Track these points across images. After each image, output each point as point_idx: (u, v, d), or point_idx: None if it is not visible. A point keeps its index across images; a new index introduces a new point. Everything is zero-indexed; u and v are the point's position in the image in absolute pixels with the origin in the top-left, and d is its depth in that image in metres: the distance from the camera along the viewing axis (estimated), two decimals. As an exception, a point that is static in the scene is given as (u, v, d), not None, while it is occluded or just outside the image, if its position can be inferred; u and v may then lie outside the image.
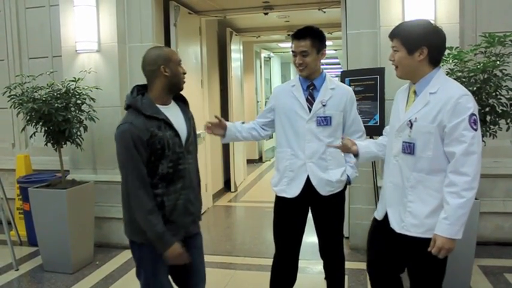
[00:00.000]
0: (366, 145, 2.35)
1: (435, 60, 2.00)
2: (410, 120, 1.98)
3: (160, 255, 2.06)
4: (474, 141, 1.86)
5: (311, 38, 2.48)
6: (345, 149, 2.35)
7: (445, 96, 1.90)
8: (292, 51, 2.55)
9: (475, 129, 1.87)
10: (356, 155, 2.35)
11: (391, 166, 2.10)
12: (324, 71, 2.63)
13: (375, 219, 2.26)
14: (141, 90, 2.10)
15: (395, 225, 2.06)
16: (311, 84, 2.58)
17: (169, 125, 2.05)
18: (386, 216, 2.13)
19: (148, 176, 2.01)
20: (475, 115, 1.88)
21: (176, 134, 2.07)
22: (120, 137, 2.00)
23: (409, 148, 1.99)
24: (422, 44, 1.94)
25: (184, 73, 2.16)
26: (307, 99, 2.56)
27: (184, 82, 2.17)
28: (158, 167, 2.02)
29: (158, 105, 2.06)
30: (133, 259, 2.19)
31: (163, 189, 2.04)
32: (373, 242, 2.28)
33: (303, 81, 2.60)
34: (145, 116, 1.99)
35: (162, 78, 2.07)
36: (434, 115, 1.91)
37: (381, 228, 2.18)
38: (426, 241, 1.95)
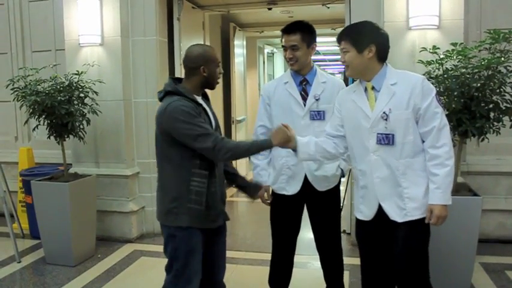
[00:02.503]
0: (306, 143, 2.28)
1: (383, 57, 2.13)
2: (384, 112, 2.06)
3: (196, 244, 2.15)
4: (443, 116, 2.06)
5: (301, 32, 2.50)
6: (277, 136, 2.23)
7: (410, 83, 2.06)
8: (283, 46, 2.57)
9: (441, 105, 2.08)
10: (294, 150, 2.30)
11: (372, 162, 2.13)
12: (315, 64, 2.64)
13: (360, 222, 2.25)
14: (176, 81, 2.22)
15: (396, 216, 2.10)
16: (304, 79, 2.59)
17: (206, 112, 2.17)
18: (377, 214, 2.15)
19: (196, 157, 2.09)
20: (437, 93, 2.09)
21: (210, 122, 2.18)
22: (175, 111, 2.06)
23: (386, 139, 2.07)
24: (370, 42, 2.07)
25: (221, 73, 2.27)
26: (301, 95, 2.57)
27: (218, 83, 2.28)
28: None
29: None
30: (165, 250, 2.21)
31: (206, 172, 2.12)
32: (368, 242, 2.25)
33: (295, 76, 2.61)
34: (188, 99, 2.10)
35: (200, 77, 2.19)
36: (406, 101, 2.04)
37: (373, 225, 2.18)
38: (422, 219, 2.07)
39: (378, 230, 2.17)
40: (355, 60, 2.09)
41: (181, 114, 2.04)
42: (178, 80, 2.24)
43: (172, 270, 2.17)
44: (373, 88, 2.13)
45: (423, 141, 2.07)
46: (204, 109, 2.18)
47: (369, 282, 2.28)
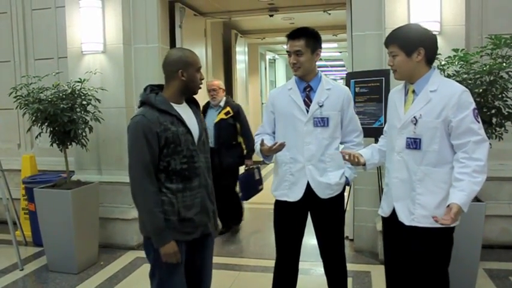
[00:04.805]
0: (371, 156, 2.40)
1: (430, 60, 2.12)
2: (415, 117, 2.07)
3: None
4: (481, 132, 2.02)
5: (305, 37, 2.50)
6: (353, 162, 2.36)
7: (448, 93, 2.03)
8: (287, 51, 2.57)
9: (479, 122, 2.03)
10: (363, 164, 2.39)
11: (395, 162, 2.18)
12: (320, 71, 2.64)
13: (382, 218, 2.33)
14: (155, 89, 2.16)
15: (404, 219, 2.14)
16: (307, 85, 2.59)
17: (181, 121, 2.09)
18: (393, 211, 2.20)
19: (161, 172, 2.05)
20: (476, 109, 2.04)
21: (188, 131, 2.11)
22: (132, 128, 2.05)
23: (414, 143, 2.09)
24: (419, 45, 2.07)
25: (202, 79, 2.20)
26: (304, 101, 2.56)
27: (200, 88, 2.21)
28: (170, 163, 2.05)
29: (171, 103, 2.11)
30: (147, 258, 2.17)
31: (178, 185, 2.07)
32: (387, 239, 2.34)
33: (299, 83, 2.61)
34: (158, 110, 2.05)
35: (179, 81, 2.13)
36: (438, 111, 2.03)
37: (390, 223, 2.25)
38: (435, 231, 2.05)
39: (393, 228, 2.22)
40: (403, 64, 2.09)
41: (130, 134, 2.05)
42: (158, 87, 2.19)
43: (156, 278, 2.14)
44: (413, 91, 2.14)
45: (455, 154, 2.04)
46: (180, 119, 2.08)
47: (391, 279, 2.32)
